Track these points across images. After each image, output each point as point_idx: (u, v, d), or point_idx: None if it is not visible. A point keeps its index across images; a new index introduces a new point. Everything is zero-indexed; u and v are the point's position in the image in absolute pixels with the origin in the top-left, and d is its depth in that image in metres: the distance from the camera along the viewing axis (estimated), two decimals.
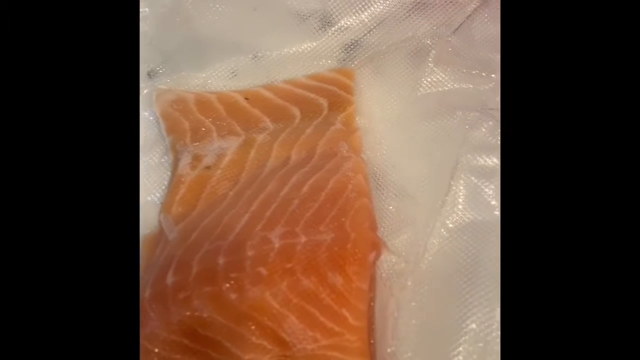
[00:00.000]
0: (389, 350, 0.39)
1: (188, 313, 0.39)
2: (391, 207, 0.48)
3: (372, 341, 0.41)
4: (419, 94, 0.54)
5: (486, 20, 0.56)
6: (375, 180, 0.50)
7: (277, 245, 0.42)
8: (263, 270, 0.40)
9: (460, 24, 0.57)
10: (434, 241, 0.44)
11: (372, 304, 0.42)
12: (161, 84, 0.57)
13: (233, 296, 0.39)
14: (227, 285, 0.40)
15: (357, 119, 0.54)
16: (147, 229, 0.47)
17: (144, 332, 0.38)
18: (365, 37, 0.58)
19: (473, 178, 0.46)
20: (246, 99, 0.55)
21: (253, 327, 0.39)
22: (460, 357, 0.37)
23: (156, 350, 0.39)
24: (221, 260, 0.41)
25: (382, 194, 0.49)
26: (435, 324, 0.39)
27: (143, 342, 0.38)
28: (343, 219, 0.44)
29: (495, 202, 0.45)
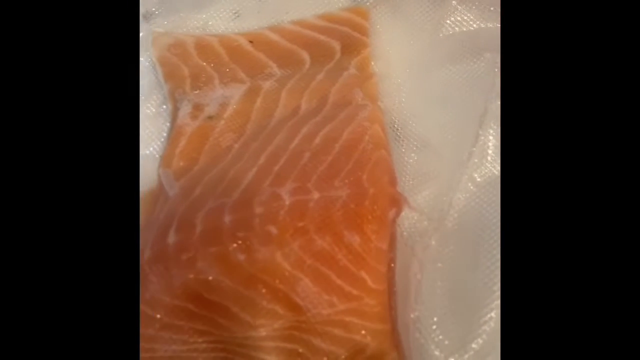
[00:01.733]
0: (412, 315, 0.36)
1: (192, 275, 0.36)
2: (412, 160, 0.43)
3: (393, 306, 0.37)
4: (441, 35, 0.49)
5: None
6: (393, 130, 0.45)
7: (287, 202, 0.38)
8: (273, 229, 0.37)
9: None
10: (460, 196, 0.40)
11: (392, 265, 0.39)
12: (158, 27, 0.52)
13: (241, 257, 0.36)
14: (234, 245, 0.36)
15: (372, 63, 0.49)
16: (145, 185, 0.43)
17: (144, 297, 0.35)
18: None
19: None
20: (250, 42, 0.50)
21: (263, 291, 0.35)
22: (492, 324, 0.34)
23: (158, 316, 0.36)
24: (227, 218, 0.37)
25: (402, 145, 0.44)
26: (463, 286, 0.36)
27: (143, 308, 0.35)
28: (359, 173, 0.40)
29: None
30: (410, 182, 0.42)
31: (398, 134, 0.45)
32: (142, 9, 0.52)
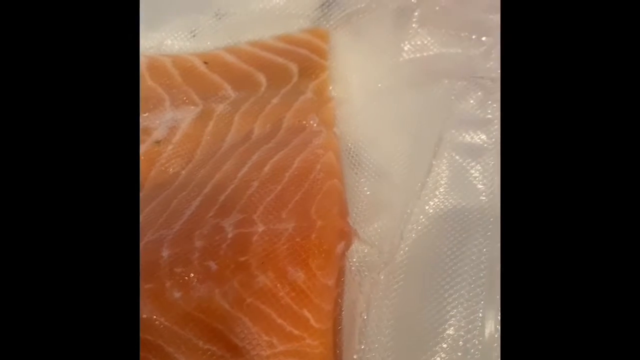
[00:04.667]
0: (355, 356, 0.34)
1: None
2: (365, 189, 0.42)
3: (338, 344, 0.36)
4: (401, 59, 0.48)
5: None
6: (348, 158, 0.44)
7: (230, 235, 0.36)
8: (212, 265, 0.35)
9: None
10: (412, 229, 0.39)
11: (339, 300, 0.37)
12: None
13: (177, 294, 0.34)
14: (171, 281, 0.34)
15: (330, 87, 0.48)
16: None
17: None
18: None
19: (457, 157, 0.41)
20: (205, 63, 0.49)
21: (199, 331, 0.34)
22: None
23: None
24: (165, 253, 0.36)
25: (356, 174, 0.43)
26: (409, 327, 0.34)
27: None
28: (308, 205, 0.38)
29: (482, 186, 0.39)
30: (362, 214, 0.41)
31: (353, 161, 0.44)
32: None
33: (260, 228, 0.37)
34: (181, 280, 0.34)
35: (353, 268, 0.38)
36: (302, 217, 0.38)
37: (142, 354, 0.34)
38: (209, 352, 0.34)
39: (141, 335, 0.34)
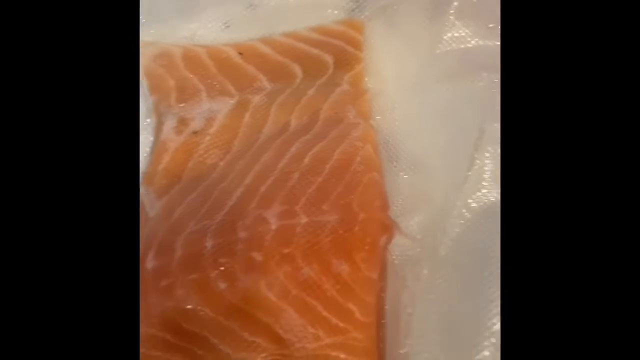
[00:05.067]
0: (401, 351, 0.34)
1: (171, 304, 0.34)
2: (405, 183, 0.42)
3: (382, 338, 0.36)
4: (438, 51, 0.47)
5: None
6: (386, 150, 0.44)
7: (274, 226, 0.36)
8: (257, 256, 0.35)
9: None
10: (455, 223, 0.38)
11: (382, 294, 0.37)
12: (144, 36, 0.50)
13: (222, 285, 0.34)
14: (216, 272, 0.34)
15: (366, 79, 0.47)
16: None
17: None
18: None
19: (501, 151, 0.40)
20: (240, 54, 0.48)
21: (245, 322, 0.34)
22: None
23: None
24: (209, 243, 0.36)
25: (395, 167, 0.43)
26: (455, 321, 0.34)
27: None
28: (350, 197, 0.38)
29: None
30: (403, 207, 0.40)
31: (391, 154, 0.43)
32: None
33: (303, 220, 0.37)
34: (226, 272, 0.34)
35: (396, 262, 0.38)
36: (344, 209, 0.37)
37: (187, 346, 0.34)
38: (254, 344, 0.34)
39: (187, 327, 0.34)
